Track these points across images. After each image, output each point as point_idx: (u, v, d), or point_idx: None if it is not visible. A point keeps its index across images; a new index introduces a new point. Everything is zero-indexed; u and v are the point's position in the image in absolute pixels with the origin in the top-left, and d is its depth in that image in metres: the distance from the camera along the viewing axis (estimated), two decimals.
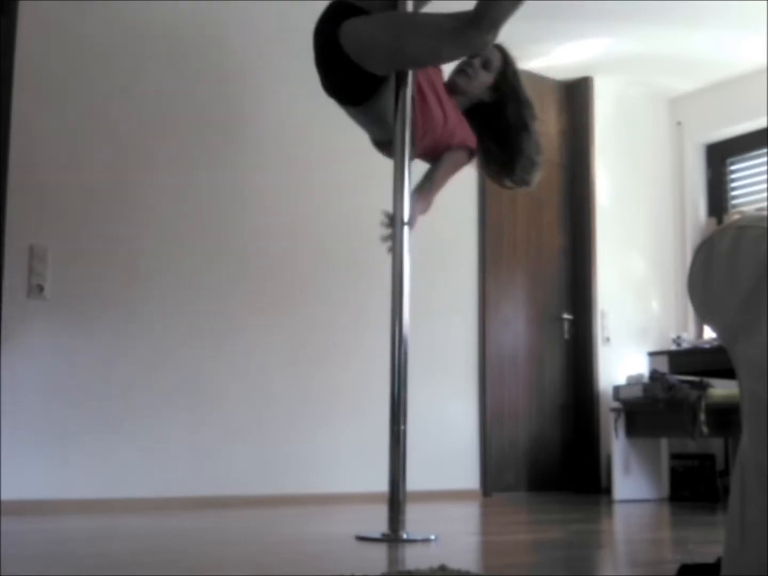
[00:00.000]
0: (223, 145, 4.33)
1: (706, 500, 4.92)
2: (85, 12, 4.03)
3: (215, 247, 4.26)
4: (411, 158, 2.97)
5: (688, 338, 5.63)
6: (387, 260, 3.03)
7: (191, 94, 4.28)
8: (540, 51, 5.34)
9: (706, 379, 4.69)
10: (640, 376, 5.20)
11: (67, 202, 3.91)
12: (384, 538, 2.80)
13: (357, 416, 4.48)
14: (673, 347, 5.59)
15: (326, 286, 4.54)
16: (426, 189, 3.19)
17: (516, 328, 5.37)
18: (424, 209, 3.20)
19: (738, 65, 5.44)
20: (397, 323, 2.95)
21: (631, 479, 4.93)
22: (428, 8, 3.11)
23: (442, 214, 4.90)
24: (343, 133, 4.20)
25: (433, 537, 2.83)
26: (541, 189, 5.60)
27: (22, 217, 3.78)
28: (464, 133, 3.14)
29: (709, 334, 5.53)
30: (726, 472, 4.98)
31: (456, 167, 3.20)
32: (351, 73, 2.89)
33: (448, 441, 4.83)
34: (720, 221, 5.70)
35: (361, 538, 2.80)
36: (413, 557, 2.50)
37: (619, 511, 4.36)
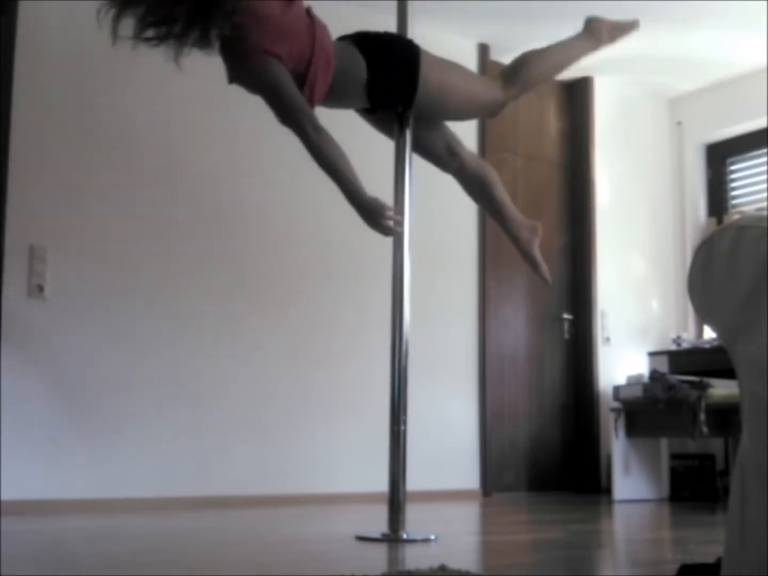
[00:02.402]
0: (223, 143, 4.33)
1: (706, 500, 4.92)
2: (85, 12, 4.03)
3: (215, 247, 4.26)
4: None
5: (688, 338, 5.63)
6: (387, 260, 3.03)
7: (190, 95, 4.28)
8: None
9: (706, 379, 4.69)
10: (640, 376, 5.20)
11: (67, 202, 3.92)
12: (384, 538, 2.80)
13: (357, 416, 4.48)
14: (673, 347, 5.59)
15: (326, 286, 4.54)
16: None
17: (516, 328, 5.37)
18: None
19: (738, 65, 5.44)
20: (397, 323, 2.95)
21: (631, 479, 4.93)
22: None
23: (443, 214, 4.92)
24: (343, 133, 4.20)
25: (433, 537, 2.83)
26: (541, 189, 5.62)
27: (22, 217, 3.79)
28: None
29: (709, 334, 5.52)
30: (726, 472, 4.98)
31: None
32: (394, 96, 2.90)
33: (448, 441, 4.83)
34: (720, 221, 5.70)
35: (361, 538, 2.81)
36: (413, 557, 2.50)
37: (619, 511, 4.36)
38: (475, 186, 3.14)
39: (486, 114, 3.21)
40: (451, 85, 2.95)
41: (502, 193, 3.14)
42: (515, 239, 3.15)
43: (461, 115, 3.13)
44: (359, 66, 2.83)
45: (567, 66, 3.15)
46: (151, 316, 4.05)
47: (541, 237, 3.20)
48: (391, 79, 2.87)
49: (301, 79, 2.74)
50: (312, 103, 2.80)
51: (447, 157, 3.10)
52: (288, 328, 4.41)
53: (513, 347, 5.33)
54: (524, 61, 3.04)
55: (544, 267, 3.17)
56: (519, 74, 3.01)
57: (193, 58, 4.30)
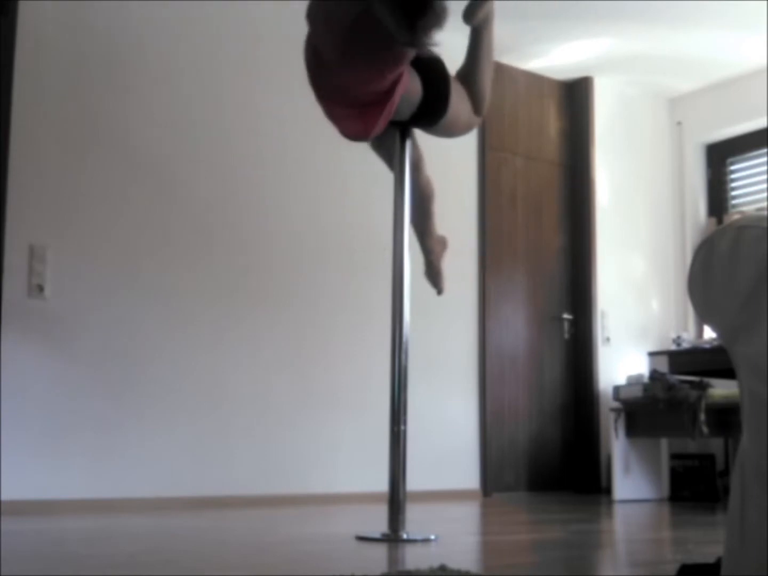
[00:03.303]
0: (223, 144, 4.33)
1: (706, 500, 4.92)
2: (84, 12, 4.03)
3: (215, 248, 4.26)
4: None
5: (688, 338, 5.63)
6: (387, 260, 3.03)
7: (190, 96, 4.28)
8: (540, 51, 5.34)
9: (706, 379, 4.69)
10: (640, 376, 5.20)
11: (66, 202, 3.91)
12: (384, 538, 2.80)
13: (357, 416, 4.48)
14: (673, 347, 5.59)
15: (326, 286, 4.54)
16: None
17: (516, 328, 5.37)
18: None
19: (738, 65, 5.44)
20: (397, 323, 2.96)
21: (631, 479, 4.93)
22: None
23: (443, 214, 4.91)
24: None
25: (433, 537, 2.83)
26: (541, 189, 5.62)
27: (22, 217, 3.78)
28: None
29: (709, 334, 5.53)
30: (726, 472, 4.98)
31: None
32: (427, 117, 2.99)
33: (448, 441, 4.83)
34: (720, 221, 5.70)
35: (361, 538, 2.81)
36: (413, 557, 2.50)
37: (619, 511, 4.36)
38: (418, 199, 3.25)
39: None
40: (461, 109, 3.06)
41: (433, 207, 3.31)
42: (429, 251, 3.33)
43: (458, 134, 3.26)
44: (418, 90, 2.90)
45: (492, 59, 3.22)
46: (150, 316, 4.05)
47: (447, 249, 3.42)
48: (434, 103, 2.96)
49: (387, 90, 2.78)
50: (387, 118, 2.84)
51: (410, 171, 3.18)
52: (288, 327, 4.41)
53: (513, 347, 5.33)
54: (479, 92, 3.10)
55: (443, 280, 3.41)
56: (482, 105, 3.13)
57: (192, 58, 4.31)
